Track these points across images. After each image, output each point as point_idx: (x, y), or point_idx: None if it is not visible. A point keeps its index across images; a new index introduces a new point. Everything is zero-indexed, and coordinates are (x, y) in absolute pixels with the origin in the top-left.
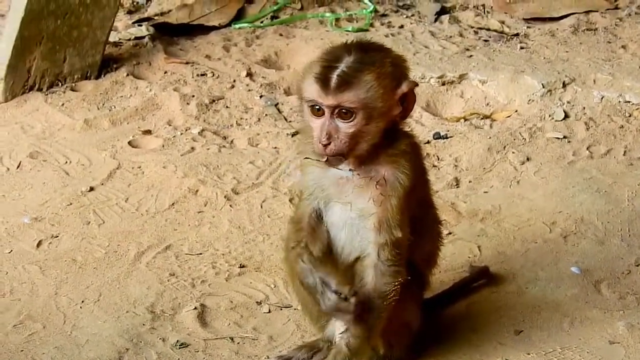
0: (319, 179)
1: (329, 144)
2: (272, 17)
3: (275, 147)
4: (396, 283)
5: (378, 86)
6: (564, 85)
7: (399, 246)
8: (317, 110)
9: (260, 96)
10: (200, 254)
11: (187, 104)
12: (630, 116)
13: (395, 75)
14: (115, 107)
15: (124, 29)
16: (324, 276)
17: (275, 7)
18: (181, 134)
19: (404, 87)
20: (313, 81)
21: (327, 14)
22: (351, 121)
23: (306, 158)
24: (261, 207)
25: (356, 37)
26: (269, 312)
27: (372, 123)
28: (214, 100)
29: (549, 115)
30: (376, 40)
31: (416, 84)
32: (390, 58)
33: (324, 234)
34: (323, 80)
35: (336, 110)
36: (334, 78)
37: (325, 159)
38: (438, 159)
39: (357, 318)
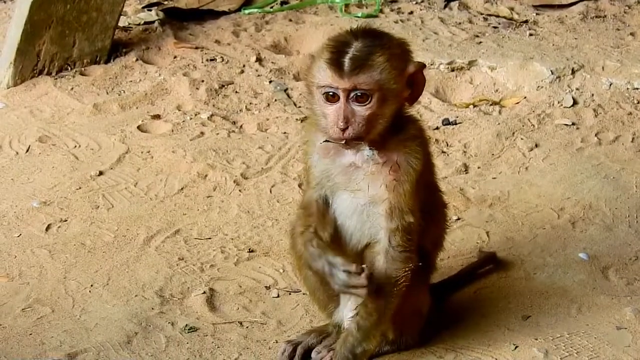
0: (326, 168)
1: (347, 128)
2: (282, 3)
3: (285, 132)
4: (407, 269)
5: (390, 67)
6: (573, 72)
7: (410, 232)
8: (331, 96)
9: (270, 81)
10: (209, 238)
11: (197, 88)
12: (638, 103)
13: (403, 57)
14: (124, 92)
15: (134, 14)
16: (331, 258)
17: None
18: (190, 118)
19: (411, 68)
20: (325, 66)
21: (337, 0)
22: (367, 104)
23: (326, 141)
24: (270, 192)
25: (359, 24)
26: (278, 296)
27: (386, 105)
28: (223, 85)
29: (558, 102)
30: (377, 27)
31: (424, 66)
32: (396, 41)
33: (332, 220)
34: (336, 65)
35: (351, 94)
36: (347, 61)
37: (343, 142)
38: (447, 145)
39: (372, 290)
